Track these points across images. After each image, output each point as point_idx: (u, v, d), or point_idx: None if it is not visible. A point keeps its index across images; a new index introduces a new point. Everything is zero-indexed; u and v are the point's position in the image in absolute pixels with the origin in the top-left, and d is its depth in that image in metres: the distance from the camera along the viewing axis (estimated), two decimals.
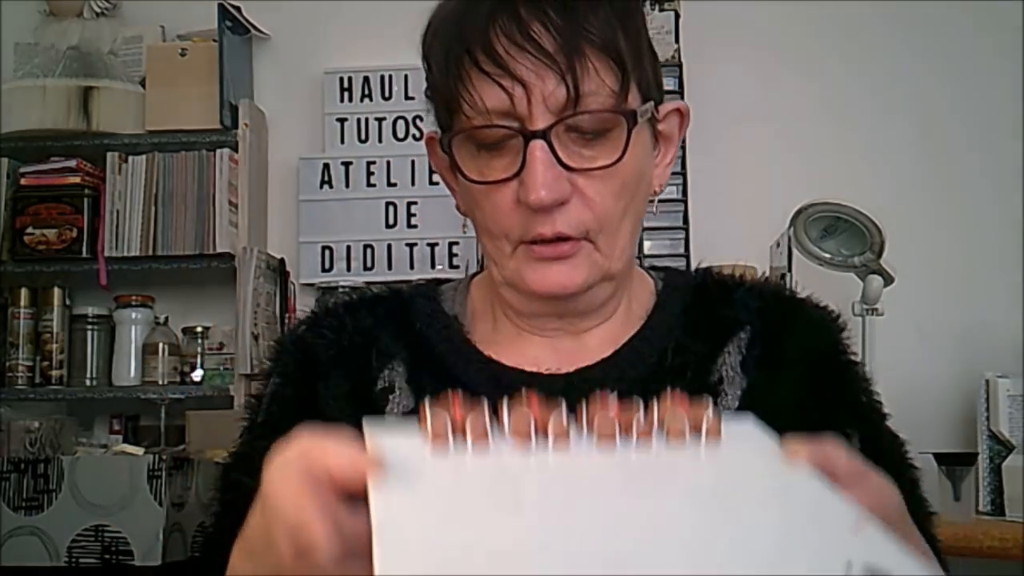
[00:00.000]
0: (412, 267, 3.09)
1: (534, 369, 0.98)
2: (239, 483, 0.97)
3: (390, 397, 0.98)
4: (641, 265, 1.06)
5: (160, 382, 3.03)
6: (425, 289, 1.06)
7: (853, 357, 1.02)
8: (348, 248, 3.11)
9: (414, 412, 0.95)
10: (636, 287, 1.03)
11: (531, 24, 0.88)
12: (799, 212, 2.59)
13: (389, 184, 3.12)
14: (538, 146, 0.88)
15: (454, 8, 0.92)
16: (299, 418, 0.95)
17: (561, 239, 0.91)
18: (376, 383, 0.98)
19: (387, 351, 0.99)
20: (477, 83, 0.88)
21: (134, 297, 3.11)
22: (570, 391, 0.95)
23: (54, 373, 3.07)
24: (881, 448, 0.97)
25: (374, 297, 1.05)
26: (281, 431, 0.96)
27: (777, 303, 1.02)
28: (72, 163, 3.07)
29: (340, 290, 3.04)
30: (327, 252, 3.12)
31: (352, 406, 0.97)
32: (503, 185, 0.90)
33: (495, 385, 0.97)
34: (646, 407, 0.94)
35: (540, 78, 0.87)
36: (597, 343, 0.99)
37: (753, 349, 0.98)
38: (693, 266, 1.10)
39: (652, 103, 0.94)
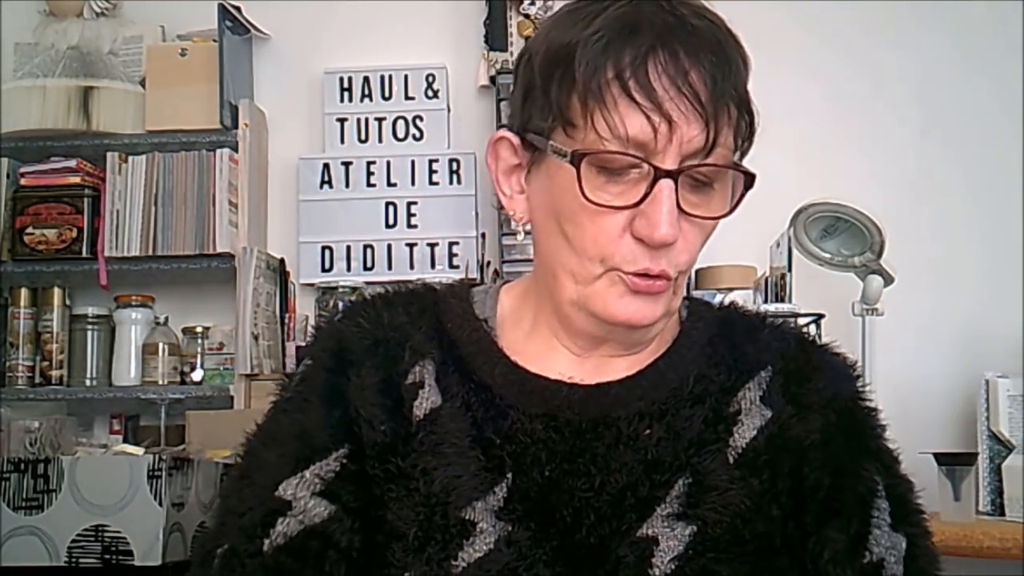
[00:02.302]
0: (412, 267, 3.09)
1: (558, 377, 1.00)
2: (257, 453, 1.01)
3: (420, 392, 0.99)
4: None
5: (160, 382, 3.03)
6: (458, 290, 1.08)
7: (872, 405, 1.05)
8: (348, 248, 3.11)
9: (440, 410, 0.98)
10: None
11: (690, 70, 0.90)
12: (799, 212, 2.59)
13: (389, 184, 3.12)
14: (667, 185, 0.91)
15: (603, 28, 0.92)
16: (326, 402, 1.00)
17: (662, 276, 0.94)
18: (407, 377, 0.99)
19: (419, 348, 1.01)
20: (624, 110, 0.90)
21: (134, 297, 3.10)
22: (590, 403, 0.99)
23: (54, 373, 3.07)
24: (900, 491, 1.01)
25: (410, 292, 1.07)
26: (305, 410, 1.00)
27: (799, 346, 1.04)
28: (72, 163, 3.07)
29: (340, 290, 3.04)
30: (327, 252, 3.12)
31: (381, 396, 0.99)
32: (615, 211, 0.92)
33: (518, 389, 0.99)
34: (665, 427, 0.98)
35: (686, 121, 0.90)
36: (624, 366, 1.01)
37: (774, 385, 1.01)
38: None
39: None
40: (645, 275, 0.93)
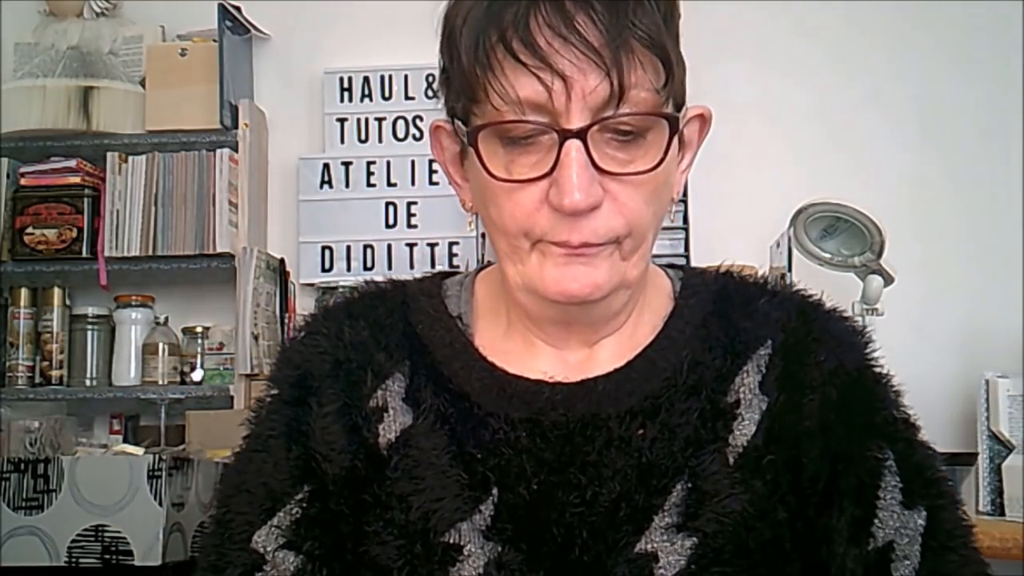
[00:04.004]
0: (412, 267, 3.09)
1: (540, 377, 0.93)
2: (229, 500, 0.95)
3: (384, 416, 0.93)
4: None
5: (160, 382, 3.02)
6: (428, 285, 1.00)
7: (881, 372, 0.96)
8: (348, 248, 3.11)
9: (412, 430, 0.91)
10: (651, 292, 0.97)
11: (576, 15, 0.82)
12: (799, 212, 2.59)
13: (389, 184, 3.12)
14: (574, 146, 0.83)
15: None
16: (287, 440, 0.94)
17: (585, 246, 0.86)
18: (369, 401, 0.93)
19: (381, 370, 0.94)
20: (512, 74, 0.83)
21: (134, 297, 3.10)
22: (576, 402, 0.91)
23: (54, 373, 3.07)
24: (916, 461, 0.94)
25: (376, 294, 1.00)
26: (268, 450, 0.94)
27: (801, 316, 0.96)
28: (72, 163, 3.07)
29: (340, 290, 3.04)
30: (327, 252, 3.12)
31: (341, 425, 0.93)
32: (530, 184, 0.85)
33: (498, 394, 0.92)
34: (659, 425, 0.90)
35: (582, 73, 0.82)
36: (608, 355, 0.94)
37: (774, 368, 0.93)
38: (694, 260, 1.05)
39: (684, 108, 0.91)
40: (567, 245, 0.86)
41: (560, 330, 0.94)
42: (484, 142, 0.86)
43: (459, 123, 0.89)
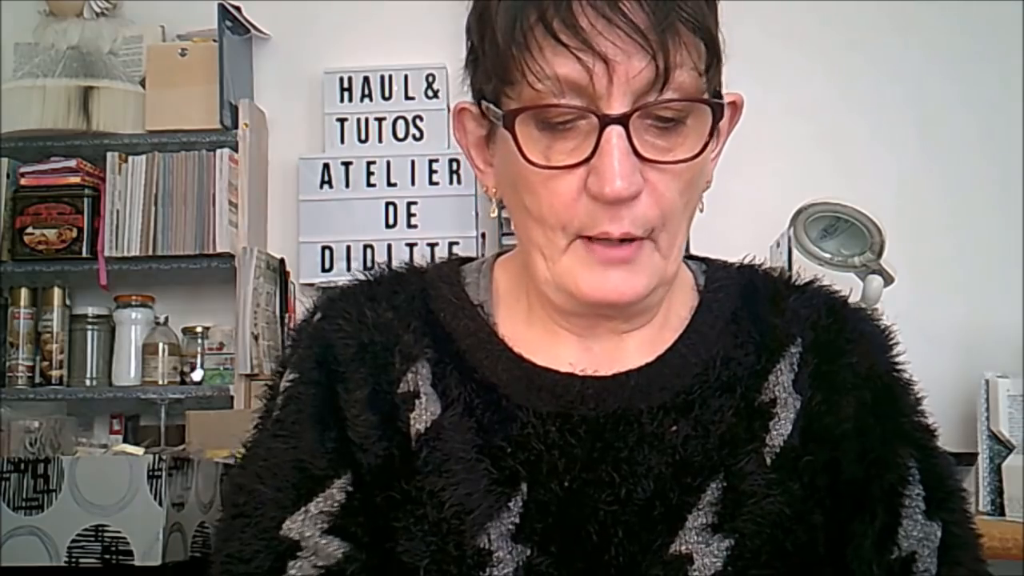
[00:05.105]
0: None
1: (569, 370, 0.90)
2: (252, 487, 0.90)
3: (416, 403, 0.89)
4: None
5: (160, 382, 3.03)
6: (447, 272, 0.96)
7: (907, 377, 0.96)
8: (348, 248, 3.11)
9: (441, 420, 0.88)
10: (674, 284, 0.94)
11: None
12: (799, 212, 2.59)
13: (389, 184, 3.12)
14: (616, 132, 0.80)
15: None
16: (319, 423, 0.89)
17: (626, 240, 0.83)
18: (399, 385, 0.89)
19: (410, 352, 0.90)
20: (551, 56, 0.80)
21: (134, 297, 3.11)
22: (607, 396, 0.89)
23: (54, 373, 3.07)
24: (938, 470, 0.94)
25: (394, 278, 0.97)
26: (298, 435, 0.89)
27: (831, 314, 0.94)
28: (72, 163, 3.07)
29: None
30: (327, 252, 3.12)
31: (372, 412, 0.89)
32: (568, 172, 0.82)
33: (526, 386, 0.89)
34: (692, 422, 0.88)
35: (626, 56, 0.79)
36: (635, 347, 0.91)
37: (806, 366, 0.91)
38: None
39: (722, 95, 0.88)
40: (607, 239, 0.83)
41: (588, 320, 0.91)
42: (520, 126, 0.83)
43: (491, 106, 0.86)
